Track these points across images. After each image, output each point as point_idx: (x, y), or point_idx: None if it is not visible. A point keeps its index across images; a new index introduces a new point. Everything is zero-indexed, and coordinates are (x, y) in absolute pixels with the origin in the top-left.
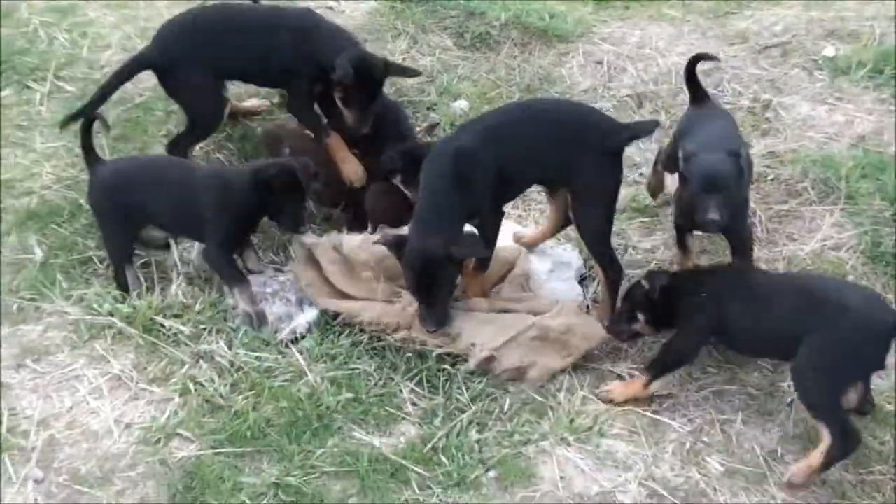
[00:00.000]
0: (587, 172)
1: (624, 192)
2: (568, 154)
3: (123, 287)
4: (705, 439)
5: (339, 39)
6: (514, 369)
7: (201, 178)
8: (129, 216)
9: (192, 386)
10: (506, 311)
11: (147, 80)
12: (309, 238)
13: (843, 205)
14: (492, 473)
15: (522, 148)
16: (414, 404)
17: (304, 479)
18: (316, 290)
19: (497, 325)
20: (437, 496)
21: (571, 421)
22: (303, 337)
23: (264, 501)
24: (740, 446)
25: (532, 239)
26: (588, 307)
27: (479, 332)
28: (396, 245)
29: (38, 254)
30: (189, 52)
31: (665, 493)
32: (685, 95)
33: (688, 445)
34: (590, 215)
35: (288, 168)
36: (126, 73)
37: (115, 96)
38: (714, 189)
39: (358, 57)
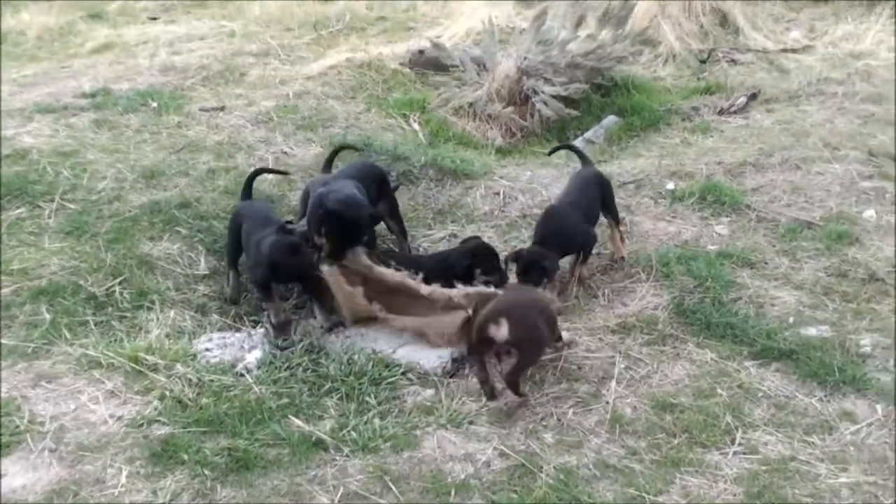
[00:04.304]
0: None
1: None
2: None
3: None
4: (544, 423)
5: None
6: None
7: None
8: None
9: (167, 393)
10: None
11: (135, 199)
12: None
13: (662, 281)
14: (388, 443)
15: None
16: (335, 409)
17: (250, 446)
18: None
19: None
20: (346, 455)
21: (451, 415)
22: (249, 371)
23: (219, 458)
24: (569, 427)
25: None
26: None
27: None
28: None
29: (47, 316)
30: None
31: (510, 454)
32: None
33: (531, 427)
34: None
35: None
36: None
37: (108, 211)
38: None
39: None
